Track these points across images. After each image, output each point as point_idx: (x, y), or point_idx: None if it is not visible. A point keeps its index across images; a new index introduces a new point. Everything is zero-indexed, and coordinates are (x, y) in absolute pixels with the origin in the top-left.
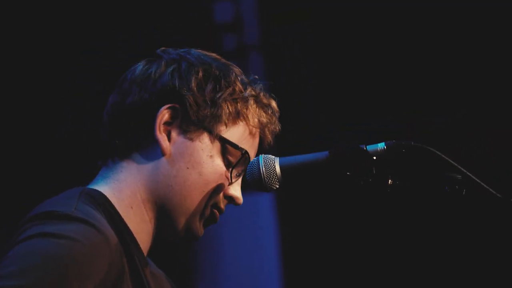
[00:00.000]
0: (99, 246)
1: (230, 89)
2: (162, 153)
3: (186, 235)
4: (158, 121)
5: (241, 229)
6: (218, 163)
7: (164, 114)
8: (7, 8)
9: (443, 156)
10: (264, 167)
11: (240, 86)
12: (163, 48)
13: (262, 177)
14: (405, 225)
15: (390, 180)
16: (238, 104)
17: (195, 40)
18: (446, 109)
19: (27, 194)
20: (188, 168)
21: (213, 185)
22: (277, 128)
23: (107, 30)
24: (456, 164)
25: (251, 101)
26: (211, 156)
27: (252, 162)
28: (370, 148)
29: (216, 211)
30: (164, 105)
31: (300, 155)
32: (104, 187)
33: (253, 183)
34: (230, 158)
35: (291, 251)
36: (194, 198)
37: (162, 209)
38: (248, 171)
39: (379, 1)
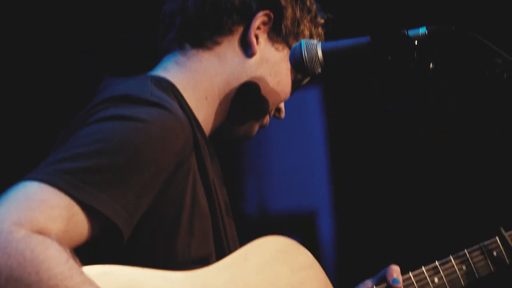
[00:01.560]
0: (175, 131)
1: (312, 13)
2: (250, 54)
3: (243, 134)
4: (254, 23)
5: (288, 125)
6: (291, 77)
7: (261, 18)
8: (7, 8)
9: (484, 41)
10: (306, 51)
11: (316, 13)
12: None
13: (304, 61)
14: None
15: (431, 65)
16: (313, 29)
17: None
18: None
19: None
20: (270, 74)
21: (282, 95)
22: None
23: (107, 30)
24: (497, 49)
25: (319, 29)
26: (288, 69)
27: (295, 46)
28: (411, 32)
29: (269, 117)
30: (262, 10)
31: (342, 39)
32: (177, 75)
33: (295, 66)
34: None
35: (339, 146)
36: (265, 103)
37: (234, 106)
38: (290, 55)
39: None
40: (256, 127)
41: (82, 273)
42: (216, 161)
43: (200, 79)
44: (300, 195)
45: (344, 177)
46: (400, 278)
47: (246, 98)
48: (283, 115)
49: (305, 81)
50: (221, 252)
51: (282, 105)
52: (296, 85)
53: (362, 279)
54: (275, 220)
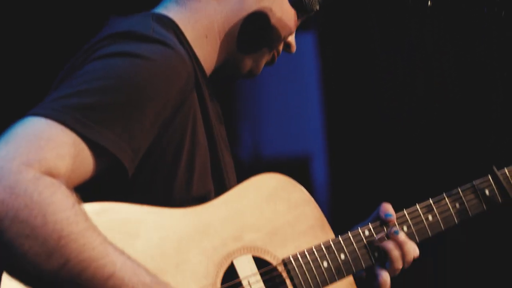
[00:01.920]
0: (177, 68)
1: None
2: None
3: (249, 72)
4: None
5: (283, 71)
6: (293, 11)
7: None
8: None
9: None
10: None
11: None
12: None
13: None
14: None
15: (429, 2)
16: None
17: None
18: None
19: None
20: (272, 9)
21: (287, 30)
22: None
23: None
24: None
25: None
26: (288, 5)
27: None
28: None
29: (276, 54)
30: None
31: None
32: (177, 13)
33: (294, 3)
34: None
35: (333, 91)
36: (269, 38)
37: (236, 43)
38: None
39: None
40: (262, 63)
41: (87, 218)
42: (215, 99)
43: (200, 17)
44: (294, 140)
45: (338, 122)
46: (393, 213)
47: (249, 34)
48: (293, 49)
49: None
50: (221, 189)
51: (291, 39)
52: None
53: (355, 223)
54: (269, 164)
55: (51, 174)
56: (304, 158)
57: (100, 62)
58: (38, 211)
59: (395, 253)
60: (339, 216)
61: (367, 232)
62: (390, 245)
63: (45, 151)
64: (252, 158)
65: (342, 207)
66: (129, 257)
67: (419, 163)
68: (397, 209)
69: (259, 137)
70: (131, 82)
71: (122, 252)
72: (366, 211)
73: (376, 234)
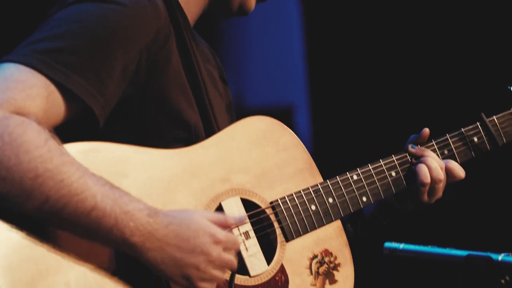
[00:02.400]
0: (149, 15)
1: None
2: None
3: (239, 9)
4: None
5: (267, 20)
6: None
7: None
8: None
9: None
10: None
11: None
12: None
13: None
14: None
15: None
16: None
17: None
18: None
19: None
20: None
21: None
22: None
23: None
24: None
25: None
26: None
27: None
28: None
29: None
30: None
31: None
32: None
33: None
34: None
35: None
36: None
37: None
38: None
39: None
40: (254, 1)
41: (62, 153)
42: (200, 39)
43: None
44: (277, 91)
45: (321, 73)
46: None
47: None
48: None
49: None
50: (209, 128)
51: None
52: None
53: (338, 173)
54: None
55: (21, 113)
56: (287, 108)
57: (71, 8)
58: (10, 152)
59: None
60: (322, 166)
61: (355, 177)
62: None
63: (14, 92)
64: (235, 109)
65: (324, 158)
66: (111, 187)
67: (405, 111)
68: (383, 158)
69: (242, 89)
70: (102, 26)
71: (105, 183)
72: (349, 161)
73: (363, 177)
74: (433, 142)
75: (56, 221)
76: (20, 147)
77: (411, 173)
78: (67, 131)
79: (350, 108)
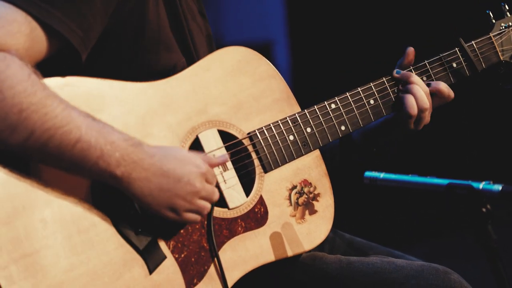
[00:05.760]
0: None
1: None
2: None
3: None
4: None
5: None
6: None
7: None
8: None
9: None
10: None
11: None
12: None
13: None
14: None
15: None
16: None
17: None
18: None
19: None
20: None
21: None
22: None
23: None
24: None
25: None
26: None
27: None
28: None
29: None
30: None
31: None
32: None
33: None
34: None
35: None
36: None
37: None
38: None
39: None
40: None
41: (45, 87)
42: None
43: None
44: (255, 26)
45: (299, 7)
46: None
47: None
48: None
49: None
50: (190, 60)
51: None
52: None
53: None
54: None
55: (1, 49)
56: (266, 43)
57: None
58: None
59: None
60: (302, 100)
61: (333, 105)
62: None
63: None
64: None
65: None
66: (94, 118)
67: (381, 38)
68: (359, 85)
69: (221, 24)
70: None
71: (87, 115)
72: (327, 93)
73: (341, 105)
74: (411, 68)
75: (41, 156)
76: (4, 82)
77: (391, 101)
78: (51, 68)
79: (328, 41)
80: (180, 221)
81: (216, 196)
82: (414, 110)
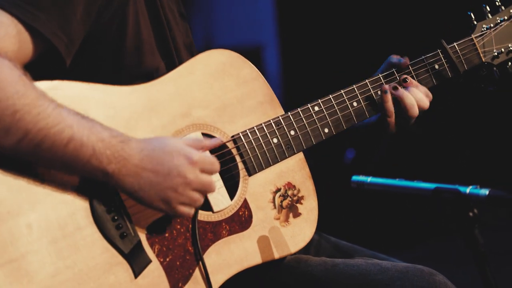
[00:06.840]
0: None
1: None
2: None
3: None
4: None
5: None
6: None
7: None
8: None
9: None
10: None
11: None
12: None
13: None
14: None
15: None
16: None
17: None
18: None
19: None
20: None
21: None
22: None
23: None
24: None
25: None
26: None
27: None
28: None
29: None
30: None
31: None
32: None
33: None
34: None
35: None
36: None
37: None
38: None
39: None
40: None
41: (35, 87)
42: None
43: None
44: (246, 30)
45: (290, 11)
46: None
47: None
48: None
49: None
50: (172, 63)
51: None
52: None
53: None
54: None
55: None
56: (256, 47)
57: None
58: None
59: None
60: (291, 104)
61: (316, 108)
62: None
63: None
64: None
65: (293, 95)
66: (82, 116)
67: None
68: (346, 85)
69: (211, 28)
70: None
71: (75, 113)
72: (317, 97)
73: (324, 108)
74: (394, 70)
75: (34, 156)
76: None
77: (374, 103)
78: (36, 71)
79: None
80: (173, 213)
81: (213, 186)
82: (415, 112)
